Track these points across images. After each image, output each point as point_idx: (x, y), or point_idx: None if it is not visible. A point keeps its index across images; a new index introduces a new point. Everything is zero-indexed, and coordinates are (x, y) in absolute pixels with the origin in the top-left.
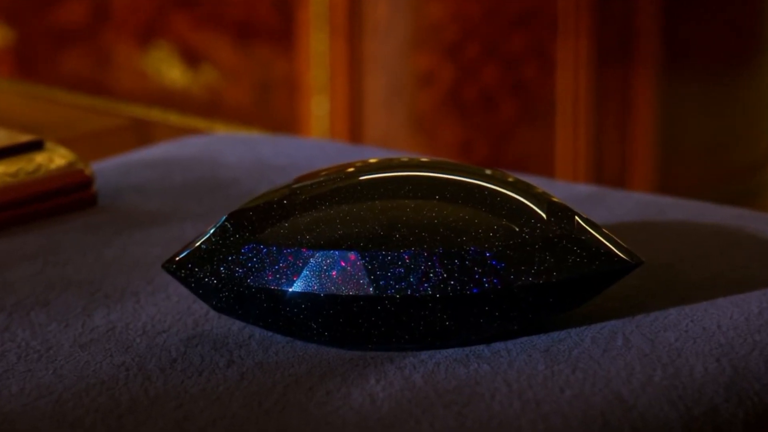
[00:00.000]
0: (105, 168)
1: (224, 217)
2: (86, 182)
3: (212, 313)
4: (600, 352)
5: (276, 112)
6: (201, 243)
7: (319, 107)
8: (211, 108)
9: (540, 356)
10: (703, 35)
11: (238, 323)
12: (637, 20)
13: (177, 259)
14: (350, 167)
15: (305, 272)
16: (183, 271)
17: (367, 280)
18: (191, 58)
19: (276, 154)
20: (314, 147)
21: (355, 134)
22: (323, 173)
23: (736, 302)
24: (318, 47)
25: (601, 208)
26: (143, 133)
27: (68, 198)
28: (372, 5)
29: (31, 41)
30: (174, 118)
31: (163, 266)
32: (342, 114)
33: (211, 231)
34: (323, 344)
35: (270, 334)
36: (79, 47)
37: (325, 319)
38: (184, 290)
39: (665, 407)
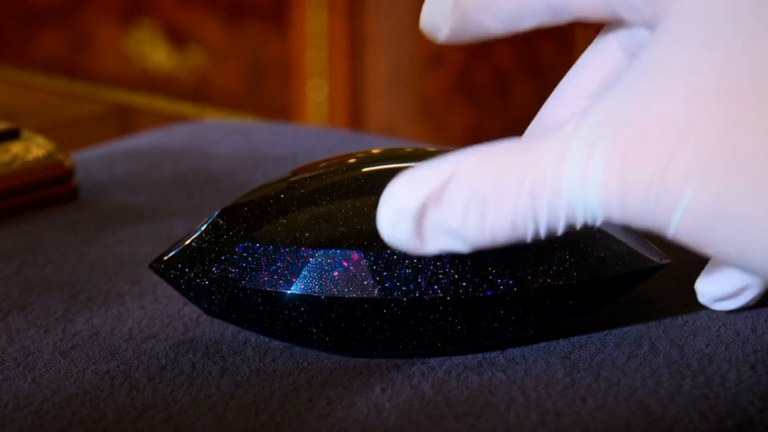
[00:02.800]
0: (86, 159)
1: (216, 213)
2: (66, 174)
3: (204, 317)
4: (624, 358)
5: (269, 97)
6: (191, 241)
7: (317, 92)
8: (199, 93)
9: (559, 363)
10: None
11: (232, 328)
12: None
13: (165, 258)
14: (352, 158)
15: (304, 273)
16: (172, 271)
17: (371, 281)
18: (177, 39)
19: (272, 143)
20: (313, 136)
21: (356, 121)
22: (322, 165)
23: None
24: (315, 26)
25: None
26: (126, 121)
27: (47, 192)
28: None
29: (3, 21)
30: (159, 104)
31: (150, 266)
32: (341, 99)
33: (203, 228)
34: (324, 350)
35: (267, 339)
36: (55, 27)
37: (326, 324)
38: (173, 292)
39: (695, 419)
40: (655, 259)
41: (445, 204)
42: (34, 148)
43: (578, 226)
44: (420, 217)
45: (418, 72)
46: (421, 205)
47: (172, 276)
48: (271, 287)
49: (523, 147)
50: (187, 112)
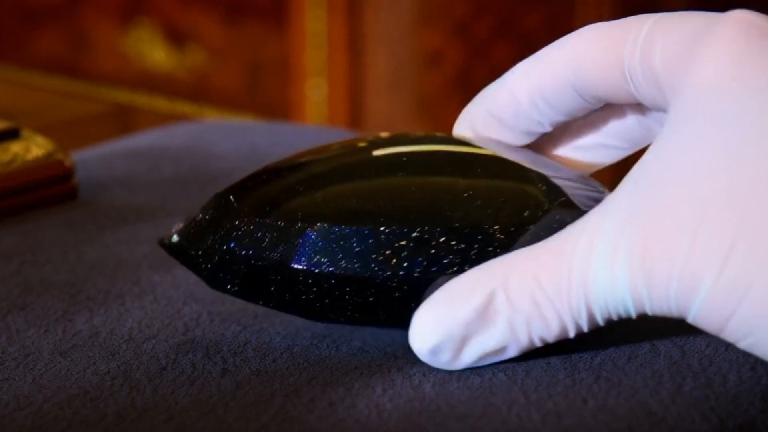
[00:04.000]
0: (86, 158)
1: (224, 190)
2: (66, 174)
3: (204, 317)
4: (625, 359)
5: (268, 96)
6: (201, 217)
7: (316, 91)
8: (198, 92)
9: (560, 364)
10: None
11: (232, 329)
12: None
13: (175, 234)
14: (361, 141)
15: (319, 248)
16: (182, 247)
17: (401, 260)
18: (176, 38)
19: (272, 143)
20: (313, 135)
21: (356, 121)
22: (330, 147)
23: None
24: (314, 25)
25: None
26: (125, 120)
27: (47, 191)
28: None
29: (2, 20)
30: (158, 103)
31: (159, 243)
32: (341, 98)
33: (212, 205)
34: (338, 323)
35: (267, 340)
36: (54, 26)
37: (339, 298)
38: (173, 292)
39: (697, 420)
40: None
41: (488, 329)
42: (33, 147)
43: (615, 319)
44: (462, 344)
45: (417, 71)
46: (463, 335)
47: (182, 253)
48: (282, 263)
49: (551, 258)
50: (187, 111)
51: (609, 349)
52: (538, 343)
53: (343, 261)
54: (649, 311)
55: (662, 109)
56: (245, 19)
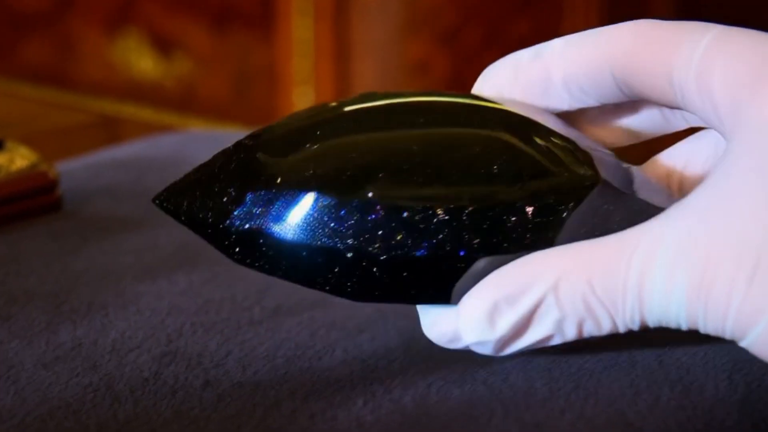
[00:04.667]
0: (71, 169)
1: (230, 147)
2: (50, 185)
3: (187, 328)
4: (602, 368)
5: (255, 105)
6: (202, 176)
7: (303, 99)
8: (184, 101)
9: (538, 374)
10: (722, 19)
11: (215, 339)
12: (651, 2)
13: (171, 192)
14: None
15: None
16: (178, 204)
17: (446, 238)
18: (163, 46)
19: None
20: None
21: None
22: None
23: None
24: (301, 33)
25: None
26: (111, 130)
27: (31, 202)
28: None
29: None
30: (144, 113)
31: (154, 201)
32: None
33: (214, 162)
34: (348, 298)
35: (250, 351)
36: (39, 35)
37: (348, 273)
38: (156, 303)
39: (674, 430)
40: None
41: (536, 326)
42: (17, 158)
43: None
44: (509, 341)
45: (405, 79)
46: (510, 334)
47: (179, 213)
48: (329, 243)
49: (604, 264)
50: (172, 121)
51: (587, 358)
52: (586, 337)
53: (382, 239)
54: (702, 330)
55: (707, 120)
56: (232, 27)
